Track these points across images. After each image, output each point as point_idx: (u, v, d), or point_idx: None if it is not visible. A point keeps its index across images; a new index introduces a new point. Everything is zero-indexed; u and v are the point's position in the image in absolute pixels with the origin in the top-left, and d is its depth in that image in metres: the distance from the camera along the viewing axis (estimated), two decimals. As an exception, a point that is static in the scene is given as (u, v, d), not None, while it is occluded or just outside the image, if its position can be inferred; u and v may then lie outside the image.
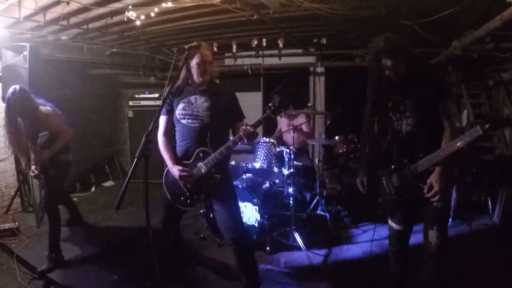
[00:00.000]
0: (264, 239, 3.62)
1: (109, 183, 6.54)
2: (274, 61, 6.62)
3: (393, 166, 2.37)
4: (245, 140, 2.43)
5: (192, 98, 2.65)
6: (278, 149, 4.05)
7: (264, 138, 4.16)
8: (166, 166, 2.73)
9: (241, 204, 3.63)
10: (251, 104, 6.28)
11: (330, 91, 6.57)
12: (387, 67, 2.16)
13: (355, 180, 2.64)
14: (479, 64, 5.09)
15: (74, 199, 5.41)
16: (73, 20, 3.98)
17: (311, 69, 6.60)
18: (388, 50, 2.13)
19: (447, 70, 5.45)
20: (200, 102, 2.63)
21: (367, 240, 3.88)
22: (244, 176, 4.19)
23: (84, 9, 3.66)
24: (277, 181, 4.31)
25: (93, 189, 6.16)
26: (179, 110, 2.66)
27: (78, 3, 3.44)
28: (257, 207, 3.72)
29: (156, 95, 6.57)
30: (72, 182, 5.93)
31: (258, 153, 4.09)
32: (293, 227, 3.75)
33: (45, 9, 3.68)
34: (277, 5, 3.46)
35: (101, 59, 5.90)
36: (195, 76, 2.61)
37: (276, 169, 4.00)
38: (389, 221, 2.55)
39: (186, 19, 4.15)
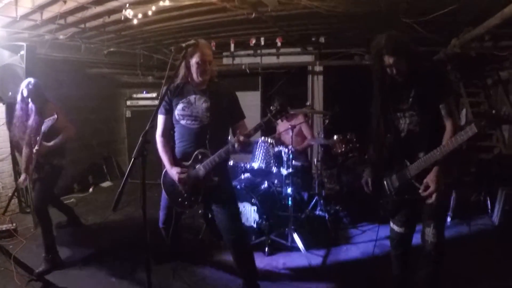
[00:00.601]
0: (262, 240, 3.61)
1: (107, 184, 6.52)
2: (272, 60, 6.59)
3: (393, 166, 2.35)
4: (238, 151, 2.37)
5: (192, 98, 2.60)
6: (276, 149, 4.03)
7: (263, 138, 4.12)
8: (164, 167, 2.70)
9: (239, 204, 3.61)
10: (249, 103, 6.24)
11: (329, 90, 6.55)
12: (389, 64, 2.14)
13: (354, 179, 2.61)
14: (477, 63, 5.09)
15: (71, 200, 5.41)
16: (70, 19, 3.96)
17: (310, 68, 6.59)
18: (390, 47, 2.10)
19: (447, 69, 5.45)
20: (199, 102, 2.58)
21: (366, 240, 3.87)
22: (243, 176, 4.17)
23: (81, 7, 3.64)
24: (275, 181, 4.29)
25: (91, 189, 6.14)
26: (178, 111, 2.61)
27: (75, 1, 3.42)
28: (255, 208, 3.70)
29: (154, 94, 6.55)
30: (70, 182, 5.92)
31: (256, 153, 4.06)
32: (292, 227, 3.73)
33: (42, 8, 3.64)
34: (275, 3, 3.44)
35: (99, 58, 5.85)
36: (194, 76, 2.54)
37: (274, 169, 3.97)
38: (391, 223, 2.52)
39: (184, 17, 4.12)
